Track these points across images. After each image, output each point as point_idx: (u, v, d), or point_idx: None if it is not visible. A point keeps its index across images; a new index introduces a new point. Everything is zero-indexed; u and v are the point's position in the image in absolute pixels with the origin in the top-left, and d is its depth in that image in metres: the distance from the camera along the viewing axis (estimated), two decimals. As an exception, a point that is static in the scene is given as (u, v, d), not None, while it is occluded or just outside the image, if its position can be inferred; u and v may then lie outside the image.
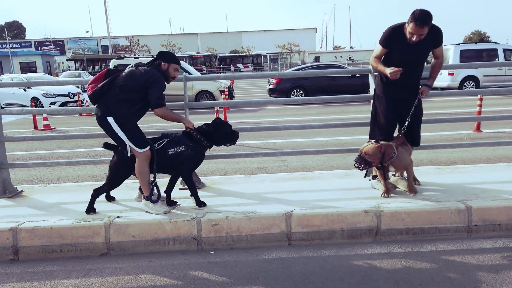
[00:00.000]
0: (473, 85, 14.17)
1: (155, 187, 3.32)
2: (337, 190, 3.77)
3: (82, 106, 13.71)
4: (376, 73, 3.72)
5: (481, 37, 60.29)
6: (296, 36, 66.72)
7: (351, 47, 77.20)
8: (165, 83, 3.35)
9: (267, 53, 55.84)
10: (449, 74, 14.19)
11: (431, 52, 3.54)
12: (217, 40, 77.80)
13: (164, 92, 3.34)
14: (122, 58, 14.71)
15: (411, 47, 3.31)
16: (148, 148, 3.30)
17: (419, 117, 3.62)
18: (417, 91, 3.56)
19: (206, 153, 3.58)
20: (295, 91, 14.26)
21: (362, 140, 3.78)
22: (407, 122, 3.53)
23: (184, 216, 3.20)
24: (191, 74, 14.07)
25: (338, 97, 4.10)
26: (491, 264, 2.75)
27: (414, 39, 3.20)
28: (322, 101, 4.15)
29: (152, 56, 4.12)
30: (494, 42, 17.10)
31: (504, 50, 14.30)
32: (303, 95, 14.24)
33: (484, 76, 14.11)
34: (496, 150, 5.85)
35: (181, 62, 14.40)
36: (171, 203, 3.45)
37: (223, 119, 9.94)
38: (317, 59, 57.38)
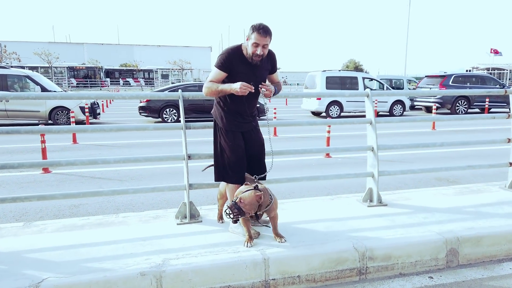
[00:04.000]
0: (337, 109, 15.12)
1: None
2: (130, 240, 3.08)
3: None
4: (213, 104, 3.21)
5: (356, 66, 67.53)
6: (190, 54, 66.24)
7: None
8: None
9: (157, 69, 54.11)
10: (317, 98, 14.93)
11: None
12: (107, 52, 73.10)
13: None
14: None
15: (253, 69, 2.96)
16: None
17: (263, 147, 3.25)
18: (255, 121, 3.22)
19: None
20: (167, 110, 13.47)
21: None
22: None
23: None
24: (45, 88, 12.35)
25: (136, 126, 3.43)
26: (275, 334, 2.31)
27: (259, 52, 2.86)
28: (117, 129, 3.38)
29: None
30: (356, 71, 18.73)
31: (363, 78, 15.64)
32: (176, 114, 13.53)
33: (347, 101, 15.20)
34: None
35: (34, 73, 12.44)
36: None
37: (72, 140, 8.66)
38: (211, 77, 57.46)
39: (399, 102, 16.05)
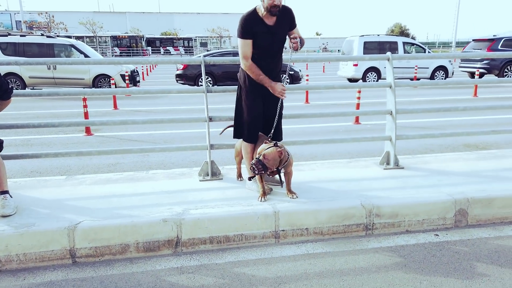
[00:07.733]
0: (375, 76, 14.73)
1: None
2: (156, 193, 3.41)
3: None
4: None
5: (401, 30, 64.13)
6: (229, 21, 65.64)
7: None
8: None
9: (196, 37, 54.37)
10: (354, 65, 14.60)
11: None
12: (148, 20, 74.16)
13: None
14: (7, 35, 13.03)
15: (271, 31, 3.12)
16: None
17: (281, 110, 3.40)
18: (280, 81, 3.35)
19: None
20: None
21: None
22: (276, 122, 3.30)
23: None
24: (88, 56, 12.99)
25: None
26: (278, 276, 2.56)
27: (276, 2, 3.02)
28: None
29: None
30: (396, 36, 17.93)
31: (404, 43, 15.01)
32: (211, 82, 13.81)
33: (385, 67, 14.69)
34: (361, 144, 5.95)
35: (78, 42, 13.08)
36: None
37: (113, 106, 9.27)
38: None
39: (442, 68, 15.33)
